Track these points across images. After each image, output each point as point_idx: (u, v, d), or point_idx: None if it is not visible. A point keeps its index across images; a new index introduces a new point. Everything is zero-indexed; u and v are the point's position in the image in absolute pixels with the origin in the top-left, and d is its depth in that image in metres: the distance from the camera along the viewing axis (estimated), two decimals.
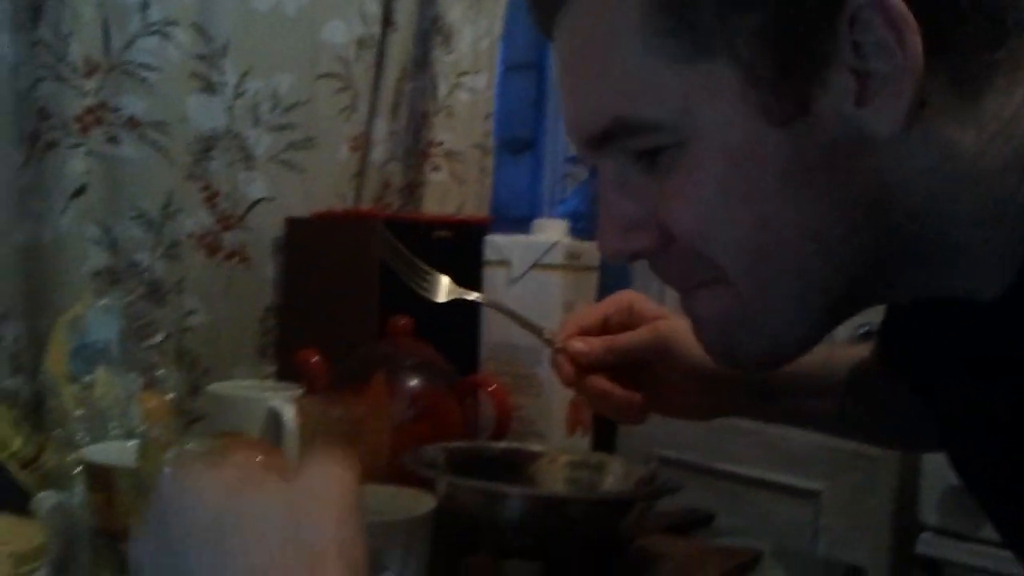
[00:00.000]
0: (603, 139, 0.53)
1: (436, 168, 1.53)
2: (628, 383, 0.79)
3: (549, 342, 0.81)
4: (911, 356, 0.65)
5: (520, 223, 2.13)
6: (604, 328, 0.80)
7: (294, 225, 1.32)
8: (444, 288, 0.92)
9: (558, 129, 2.21)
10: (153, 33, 1.17)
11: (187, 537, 0.43)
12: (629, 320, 0.80)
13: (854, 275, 0.52)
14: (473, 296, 0.91)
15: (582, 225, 1.85)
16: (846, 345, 0.84)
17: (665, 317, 0.79)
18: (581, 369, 0.79)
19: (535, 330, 0.83)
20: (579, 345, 0.78)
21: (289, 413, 0.98)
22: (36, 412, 1.07)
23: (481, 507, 0.79)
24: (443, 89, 1.52)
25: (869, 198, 0.50)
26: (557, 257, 1.08)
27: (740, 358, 0.57)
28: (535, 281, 1.09)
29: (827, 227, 0.50)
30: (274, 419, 0.99)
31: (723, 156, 0.50)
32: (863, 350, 0.79)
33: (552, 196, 2.25)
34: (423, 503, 0.71)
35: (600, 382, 0.78)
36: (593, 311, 0.82)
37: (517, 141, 2.27)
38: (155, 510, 0.45)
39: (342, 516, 0.43)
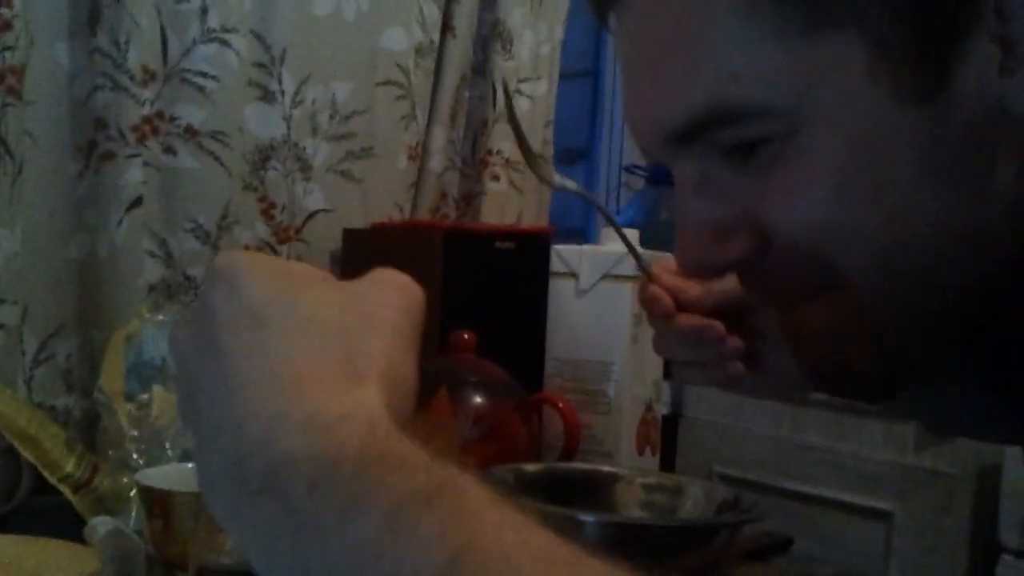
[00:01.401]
0: (689, 135, 0.46)
1: (495, 177, 1.49)
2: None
3: (646, 270, 0.71)
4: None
5: (575, 233, 2.10)
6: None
7: (351, 237, 1.28)
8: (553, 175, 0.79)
9: (613, 138, 2.17)
10: (211, 40, 1.15)
11: (229, 320, 0.37)
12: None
13: (993, 285, 0.46)
14: (572, 186, 0.81)
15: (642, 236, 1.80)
16: None
17: None
18: (683, 307, 0.69)
19: (634, 252, 0.74)
20: (675, 280, 0.68)
21: None
22: (89, 431, 1.05)
23: (557, 534, 0.75)
24: (502, 96, 1.49)
25: (1013, 189, 0.44)
26: (627, 268, 1.04)
27: (855, 383, 0.50)
28: (604, 293, 1.05)
29: (971, 223, 0.44)
30: None
31: (846, 143, 0.43)
32: None
33: (607, 206, 2.20)
34: None
35: (701, 320, 0.68)
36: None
37: (571, 150, 2.23)
38: (201, 292, 0.40)
39: (397, 328, 0.39)
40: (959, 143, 0.43)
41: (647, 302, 0.70)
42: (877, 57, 0.43)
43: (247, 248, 1.23)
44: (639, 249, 0.76)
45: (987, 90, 0.43)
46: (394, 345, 0.38)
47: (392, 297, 0.40)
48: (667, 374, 1.08)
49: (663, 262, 0.72)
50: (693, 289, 0.69)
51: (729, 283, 0.68)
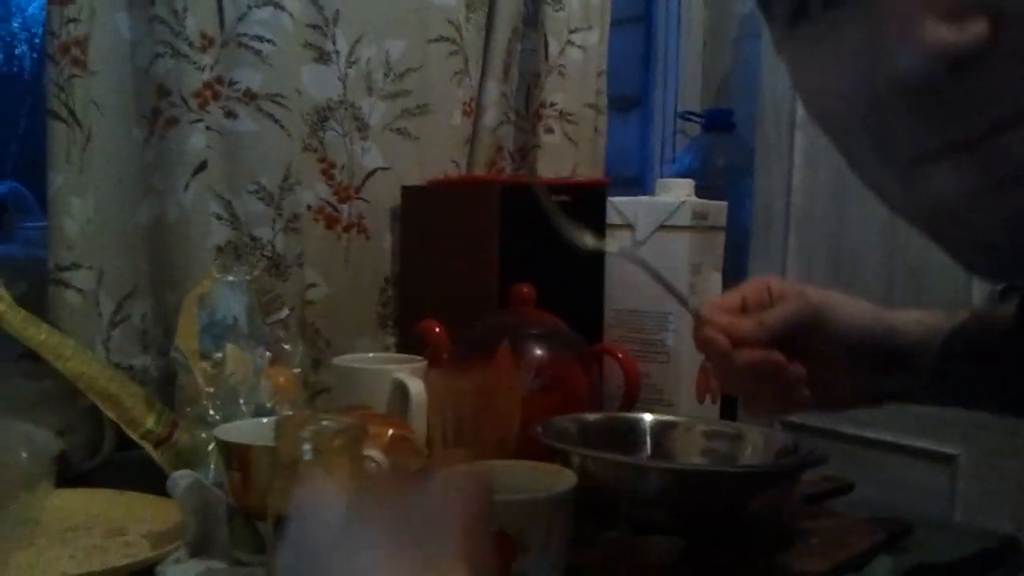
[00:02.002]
0: None
1: (549, 130, 1.49)
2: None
3: (696, 313, 0.74)
4: None
5: (630, 183, 2.09)
6: (742, 311, 0.74)
7: (410, 194, 1.30)
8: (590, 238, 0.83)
9: (668, 85, 2.15)
10: (266, 4, 1.16)
11: (320, 554, 0.43)
12: (769, 300, 0.74)
13: None
14: (615, 250, 0.84)
15: (695, 184, 1.79)
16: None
17: (807, 289, 0.74)
18: (736, 343, 0.71)
19: (682, 299, 0.77)
20: (726, 318, 0.71)
21: (415, 385, 0.98)
22: (166, 389, 1.09)
23: (618, 481, 0.77)
24: (554, 48, 1.48)
25: None
26: (683, 218, 1.04)
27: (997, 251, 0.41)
28: (661, 243, 1.05)
29: None
30: (401, 391, 0.99)
31: None
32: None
33: (662, 154, 2.19)
34: (564, 479, 0.69)
35: (760, 353, 0.70)
36: (730, 294, 0.75)
37: (624, 98, 2.21)
38: (290, 528, 0.46)
39: (469, 527, 0.42)
40: None
41: (703, 344, 0.72)
42: None
43: (314, 217, 1.25)
44: (684, 294, 0.78)
45: None
46: (469, 545, 0.41)
47: (459, 501, 0.42)
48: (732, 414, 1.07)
49: (711, 300, 0.74)
50: (744, 324, 0.71)
51: (775, 314, 0.71)
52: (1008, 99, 0.38)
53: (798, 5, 0.42)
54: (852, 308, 0.74)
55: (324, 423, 0.66)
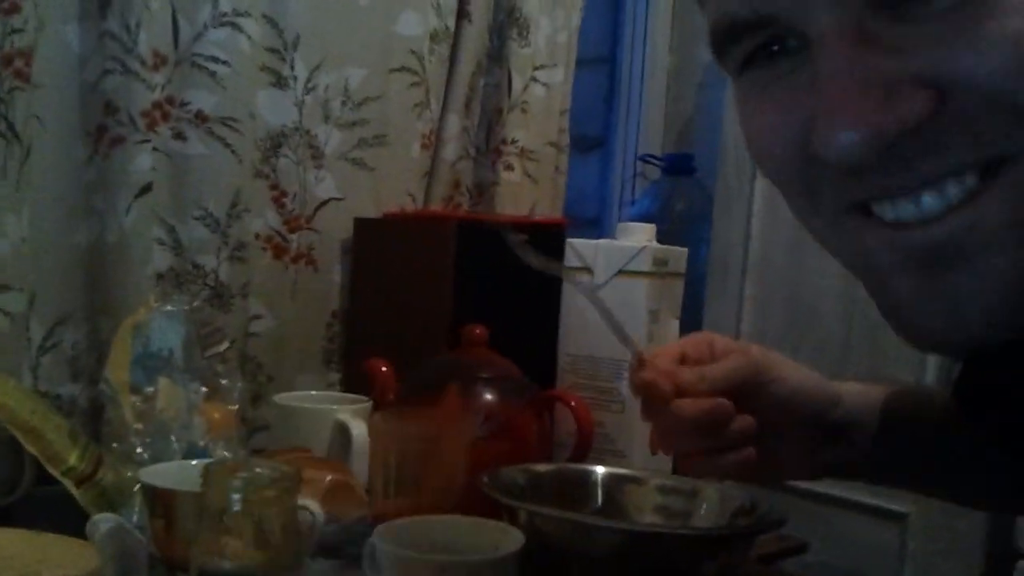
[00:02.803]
0: None
1: (509, 167, 1.47)
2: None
3: (639, 354, 0.70)
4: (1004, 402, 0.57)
5: (588, 224, 2.07)
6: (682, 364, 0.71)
7: (363, 226, 1.27)
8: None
9: (629, 126, 2.14)
10: (223, 24, 1.13)
11: None
12: (710, 356, 0.71)
13: None
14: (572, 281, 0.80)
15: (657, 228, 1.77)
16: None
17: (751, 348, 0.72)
18: (681, 393, 0.68)
19: (625, 339, 0.73)
20: (669, 366, 0.68)
21: (358, 427, 0.94)
22: (95, 421, 1.04)
23: (569, 540, 0.73)
24: (518, 84, 1.46)
25: None
26: (644, 263, 1.02)
27: (934, 325, 0.41)
28: (619, 288, 1.02)
29: None
30: (343, 433, 0.94)
31: None
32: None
33: (621, 196, 2.18)
34: (510, 539, 0.65)
35: (708, 401, 0.66)
36: (669, 347, 0.72)
37: (585, 139, 2.20)
38: None
39: None
40: None
41: (643, 388, 0.68)
42: None
43: (262, 246, 1.21)
44: (628, 334, 0.74)
45: None
46: None
47: None
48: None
49: (658, 349, 0.71)
50: (686, 374, 0.67)
51: (719, 369, 0.69)
52: (937, 159, 0.39)
53: (749, 53, 0.43)
54: (796, 373, 0.72)
55: (257, 470, 0.62)
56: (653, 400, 0.68)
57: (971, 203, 0.39)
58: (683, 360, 0.70)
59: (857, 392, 0.74)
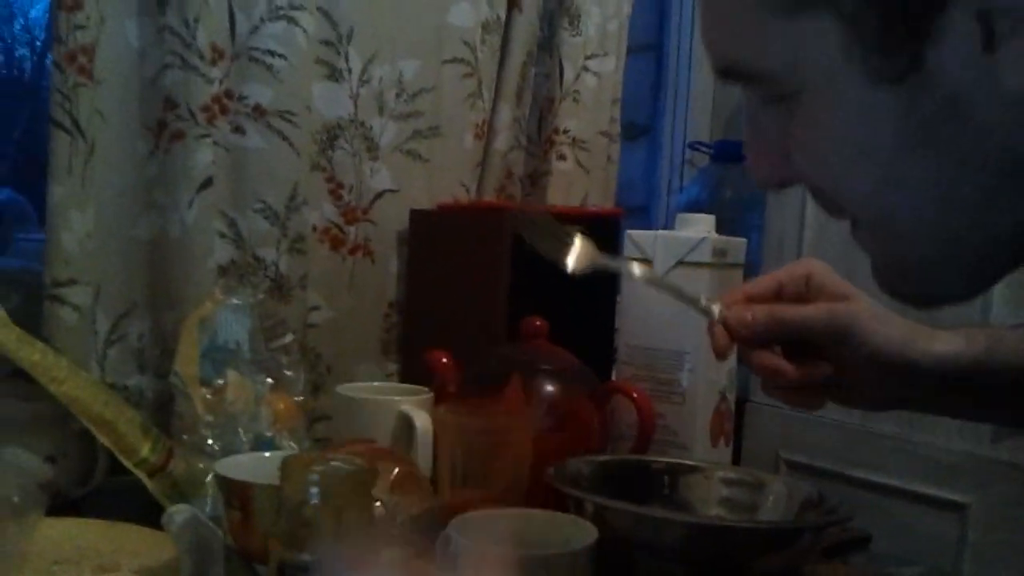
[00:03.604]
0: (728, 78, 0.52)
1: (561, 157, 1.46)
2: (800, 359, 0.70)
3: (706, 311, 0.71)
4: None
5: (636, 212, 2.06)
6: (776, 299, 0.71)
7: (418, 218, 1.27)
8: (581, 255, 0.78)
9: (677, 113, 2.13)
10: (279, 18, 1.13)
11: None
12: (806, 292, 0.71)
13: (1003, 236, 0.48)
14: (617, 265, 0.81)
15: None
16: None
17: (847, 297, 0.70)
18: (744, 342, 0.70)
19: (690, 300, 0.73)
20: (740, 314, 0.69)
21: (422, 419, 0.94)
22: (162, 412, 1.05)
23: (637, 532, 0.73)
24: (569, 74, 1.45)
25: (1004, 159, 0.45)
26: (704, 254, 1.01)
27: (896, 295, 0.55)
28: (680, 279, 1.01)
29: (957, 190, 0.47)
30: (406, 424, 0.95)
31: (835, 113, 0.47)
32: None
33: (670, 184, 2.16)
34: (583, 532, 0.66)
35: (766, 357, 0.69)
36: (765, 279, 0.73)
37: (633, 126, 2.19)
38: None
39: None
40: (941, 119, 0.45)
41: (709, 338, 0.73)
42: (850, 38, 0.45)
43: (319, 238, 1.21)
44: (695, 295, 0.75)
45: (970, 66, 0.43)
46: None
47: None
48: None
49: (738, 290, 0.74)
50: (758, 321, 0.70)
51: (798, 314, 0.69)
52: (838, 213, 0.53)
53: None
54: (882, 333, 0.69)
55: (333, 464, 0.63)
56: (714, 351, 0.72)
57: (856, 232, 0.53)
58: (779, 292, 0.72)
59: (947, 339, 0.70)
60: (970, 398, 0.71)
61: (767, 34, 0.48)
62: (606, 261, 0.78)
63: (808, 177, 0.51)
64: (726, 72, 0.52)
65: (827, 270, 0.72)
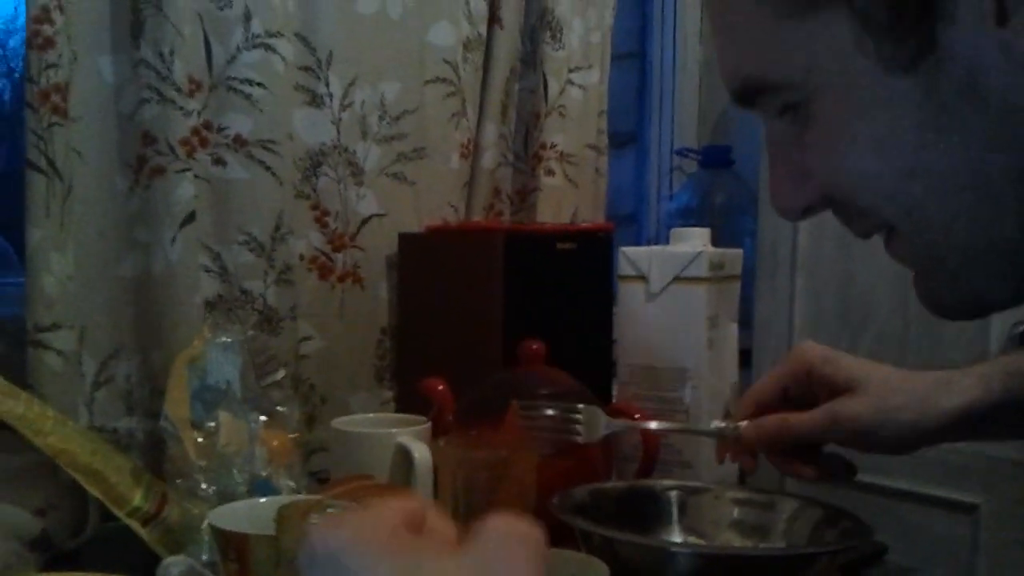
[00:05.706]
0: (744, 98, 0.52)
1: (549, 172, 1.44)
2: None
3: (721, 434, 0.80)
4: None
5: (625, 220, 2.04)
6: (784, 399, 0.77)
7: (407, 241, 1.25)
8: (600, 423, 0.85)
9: (663, 120, 2.11)
10: (256, 47, 1.11)
11: None
12: (809, 390, 0.75)
13: None
14: (639, 425, 0.90)
15: (693, 221, 1.74)
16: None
17: (850, 388, 0.72)
18: (762, 452, 0.78)
19: (712, 435, 0.81)
20: (753, 433, 0.77)
21: (420, 450, 0.92)
22: (153, 453, 1.03)
23: (647, 564, 0.71)
24: (554, 88, 1.44)
25: None
26: (700, 269, 0.99)
27: (941, 308, 0.52)
28: (676, 296, 1.00)
29: (986, 175, 0.46)
30: (404, 457, 0.92)
31: (851, 110, 0.47)
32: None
33: (659, 191, 2.15)
34: (594, 571, 0.63)
35: (787, 464, 0.77)
36: (769, 383, 0.78)
37: (619, 135, 2.17)
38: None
39: None
40: (960, 100, 0.45)
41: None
42: (863, 31, 0.45)
43: (307, 267, 1.19)
44: (710, 428, 0.82)
45: (985, 40, 0.43)
46: None
47: (517, 557, 0.38)
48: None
49: (749, 399, 0.79)
50: (769, 434, 0.76)
51: (803, 425, 0.74)
52: (864, 226, 0.53)
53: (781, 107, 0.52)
54: (891, 420, 0.71)
55: (329, 511, 0.60)
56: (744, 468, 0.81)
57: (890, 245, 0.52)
58: (785, 394, 0.77)
59: (968, 386, 0.71)
60: (995, 427, 0.72)
61: (780, 40, 0.48)
62: (615, 427, 0.86)
63: (830, 192, 0.51)
64: (743, 90, 0.52)
65: (824, 358, 0.75)
